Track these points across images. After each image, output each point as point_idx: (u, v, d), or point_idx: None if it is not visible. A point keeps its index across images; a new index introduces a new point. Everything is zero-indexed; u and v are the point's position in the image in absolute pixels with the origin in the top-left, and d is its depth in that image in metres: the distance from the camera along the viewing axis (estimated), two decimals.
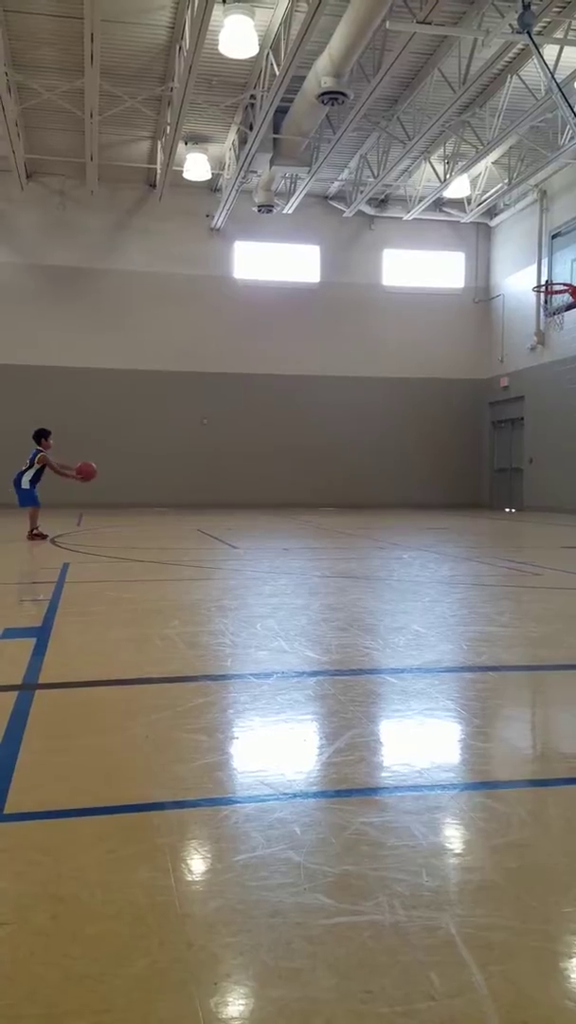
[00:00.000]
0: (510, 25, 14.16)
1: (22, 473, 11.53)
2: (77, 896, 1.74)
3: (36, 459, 11.50)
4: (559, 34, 15.19)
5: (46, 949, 1.56)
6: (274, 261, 24.22)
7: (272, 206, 22.10)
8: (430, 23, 13.91)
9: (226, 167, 21.21)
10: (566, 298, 20.62)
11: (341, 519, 17.74)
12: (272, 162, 19.62)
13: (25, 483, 11.44)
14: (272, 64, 15.55)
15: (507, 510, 23.63)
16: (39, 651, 4.18)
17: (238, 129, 19.22)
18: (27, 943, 1.58)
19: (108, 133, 19.40)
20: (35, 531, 11.29)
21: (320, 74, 15.10)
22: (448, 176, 21.21)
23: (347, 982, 1.45)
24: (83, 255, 22.97)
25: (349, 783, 2.43)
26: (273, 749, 2.79)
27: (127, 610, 5.63)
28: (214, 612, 5.52)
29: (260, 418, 23.88)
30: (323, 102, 15.70)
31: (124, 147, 20.89)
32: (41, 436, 11.65)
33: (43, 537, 11.19)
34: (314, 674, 3.74)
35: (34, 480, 11.47)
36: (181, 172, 20.97)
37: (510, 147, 20.47)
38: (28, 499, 11.48)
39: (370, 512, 20.92)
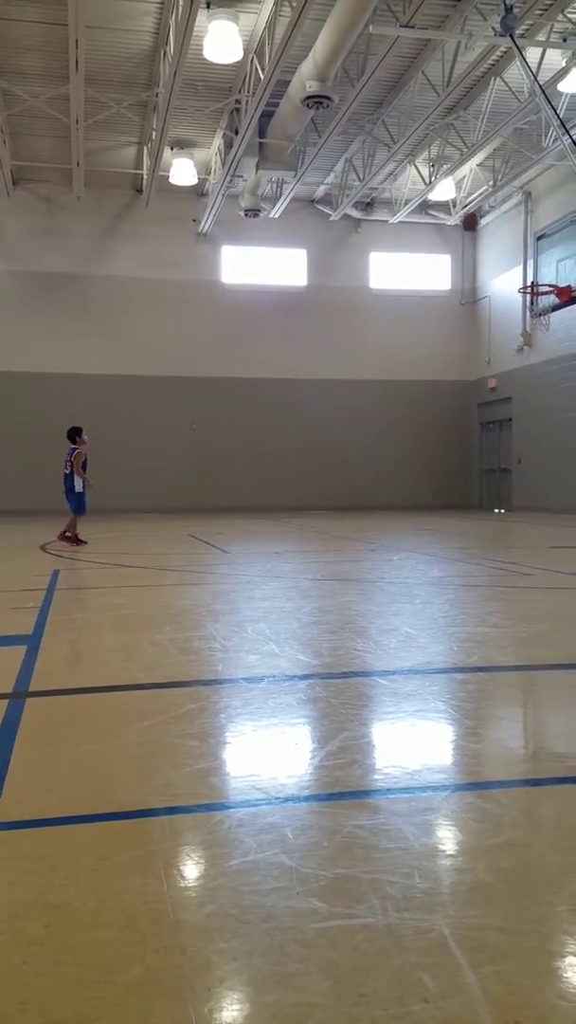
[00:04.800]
0: (493, 28, 14.22)
1: (68, 476, 11.24)
2: (70, 904, 1.74)
3: (73, 457, 11.28)
4: (541, 36, 15.27)
5: (39, 957, 1.55)
6: (261, 265, 24.24)
7: (259, 210, 22.13)
8: (413, 26, 13.96)
9: (212, 172, 21.22)
10: (552, 299, 20.70)
11: (331, 522, 17.75)
12: (258, 166, 19.64)
13: (78, 486, 11.19)
14: (257, 69, 15.57)
15: (496, 511, 23.69)
16: (29, 659, 4.16)
17: (224, 134, 19.23)
18: (20, 952, 1.57)
19: (94, 139, 19.38)
20: (67, 534, 11.12)
21: (305, 78, 15.13)
22: (433, 179, 21.28)
23: (340, 985, 1.45)
24: (70, 261, 22.93)
25: (341, 786, 2.44)
26: (265, 753, 2.79)
27: (117, 616, 5.62)
28: (205, 617, 5.52)
29: (249, 422, 23.88)
30: (308, 106, 15.73)
31: (110, 153, 20.88)
32: (75, 434, 11.43)
33: (81, 542, 11.00)
34: (305, 677, 3.75)
35: (84, 482, 11.24)
36: (167, 177, 20.97)
37: (494, 149, 20.56)
38: (79, 503, 11.23)
39: (360, 514, 20.94)
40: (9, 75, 16.50)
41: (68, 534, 11.18)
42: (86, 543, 11.12)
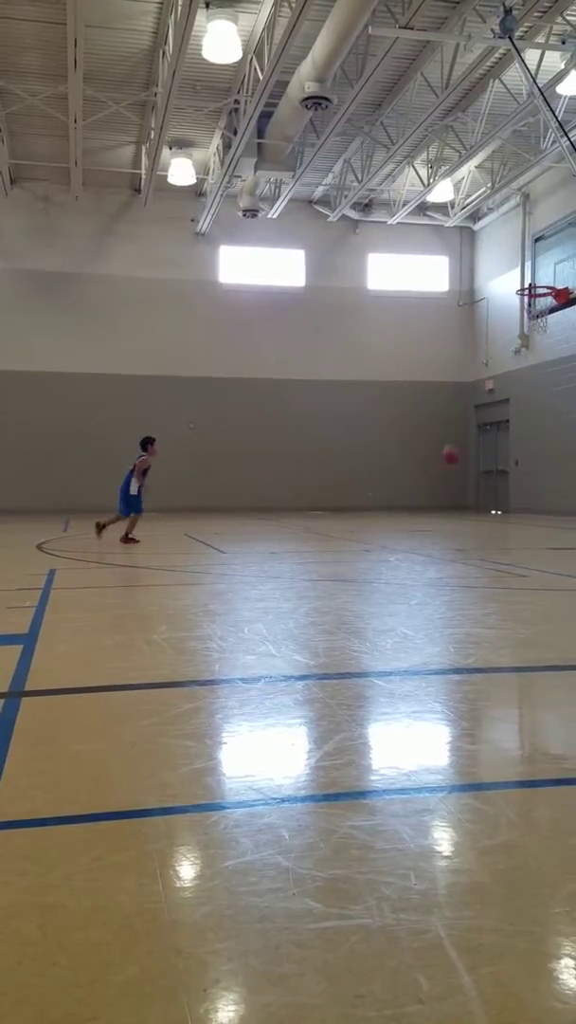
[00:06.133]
0: (492, 30, 14.23)
1: (129, 479, 11.78)
2: (65, 904, 1.74)
3: (138, 461, 11.79)
4: (540, 39, 15.28)
5: (34, 958, 1.55)
6: (259, 265, 24.23)
7: (257, 211, 22.12)
8: (412, 28, 13.96)
9: (211, 172, 21.21)
10: (549, 301, 20.72)
11: (328, 522, 17.75)
12: (256, 167, 19.63)
13: (134, 488, 11.69)
14: (256, 69, 15.56)
15: (493, 512, 23.70)
16: (25, 658, 4.16)
17: (222, 134, 19.22)
18: (15, 953, 1.57)
19: (92, 138, 19.35)
20: (129, 535, 11.59)
21: (303, 79, 15.13)
22: (431, 180, 21.29)
23: (336, 986, 1.45)
24: (68, 260, 22.90)
25: (337, 787, 2.43)
26: (261, 754, 2.79)
27: (114, 616, 5.61)
28: (201, 617, 5.51)
29: (247, 422, 23.87)
30: (307, 107, 15.72)
31: (108, 152, 20.85)
32: (147, 443, 11.92)
33: (135, 542, 11.46)
34: (302, 678, 3.74)
35: (140, 485, 11.73)
36: (166, 177, 20.95)
37: (493, 151, 20.56)
38: (134, 505, 11.69)
39: (357, 515, 20.94)
40: (8, 74, 16.48)
41: (130, 536, 11.63)
42: (91, 539, 11.59)
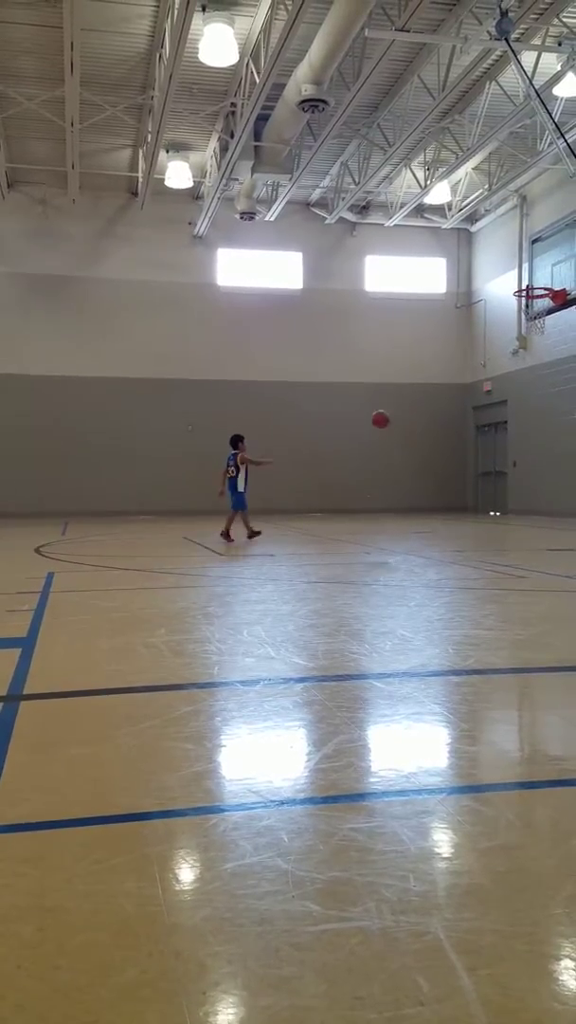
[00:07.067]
0: (488, 32, 14.25)
1: (235, 478, 12.38)
2: (64, 907, 1.73)
3: (237, 460, 12.45)
4: (536, 40, 15.30)
5: (33, 961, 1.55)
6: (257, 268, 24.23)
7: (254, 213, 22.13)
8: (409, 30, 13.98)
9: (208, 175, 21.22)
10: (547, 302, 20.74)
11: (327, 525, 17.75)
12: (253, 170, 19.65)
13: (240, 486, 12.36)
14: (252, 72, 15.57)
15: (491, 513, 23.71)
16: (24, 661, 4.16)
17: (219, 137, 19.24)
18: (14, 956, 1.57)
19: (89, 141, 19.37)
20: (253, 530, 12.36)
21: (300, 82, 15.14)
22: (429, 182, 21.31)
23: (336, 989, 1.45)
24: (66, 263, 22.91)
25: (337, 789, 2.43)
26: (261, 756, 2.78)
27: (112, 619, 5.61)
28: (200, 620, 5.51)
29: (246, 425, 23.69)
30: (304, 109, 15.73)
31: (105, 155, 20.87)
32: (238, 440, 12.68)
33: (258, 533, 12.32)
34: (301, 680, 3.74)
35: (246, 481, 12.42)
36: (163, 180, 20.96)
37: (490, 153, 20.58)
38: (240, 502, 12.41)
39: (356, 517, 20.94)
40: (4, 78, 16.49)
41: (253, 531, 12.36)
42: (233, 540, 12.11)
